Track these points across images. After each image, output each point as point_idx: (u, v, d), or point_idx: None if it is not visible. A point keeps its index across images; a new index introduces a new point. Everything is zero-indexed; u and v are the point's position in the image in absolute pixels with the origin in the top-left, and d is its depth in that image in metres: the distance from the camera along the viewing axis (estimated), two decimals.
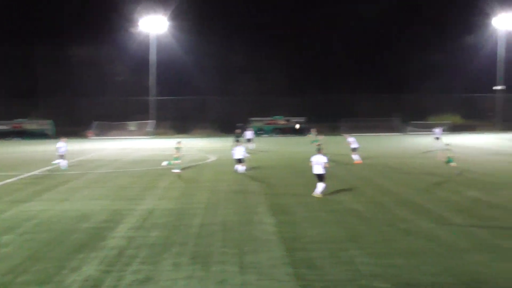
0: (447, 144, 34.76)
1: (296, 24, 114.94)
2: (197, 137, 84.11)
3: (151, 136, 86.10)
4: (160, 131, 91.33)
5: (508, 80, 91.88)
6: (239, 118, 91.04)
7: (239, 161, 33.62)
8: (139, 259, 14.01)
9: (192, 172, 33.75)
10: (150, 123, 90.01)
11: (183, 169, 34.28)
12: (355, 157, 39.04)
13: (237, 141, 36.90)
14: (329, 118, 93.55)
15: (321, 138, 51.75)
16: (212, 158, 44.46)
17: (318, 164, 23.30)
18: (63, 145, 36.78)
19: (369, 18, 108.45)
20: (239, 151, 33.79)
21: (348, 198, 22.68)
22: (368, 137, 72.83)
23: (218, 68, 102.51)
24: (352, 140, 39.72)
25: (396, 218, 18.61)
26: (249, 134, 54.55)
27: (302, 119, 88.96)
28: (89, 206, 21.67)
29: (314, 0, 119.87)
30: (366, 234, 16.26)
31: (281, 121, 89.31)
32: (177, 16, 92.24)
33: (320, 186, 23.36)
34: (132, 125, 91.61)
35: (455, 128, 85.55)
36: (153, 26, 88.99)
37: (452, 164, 31.84)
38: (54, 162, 39.58)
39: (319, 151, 23.93)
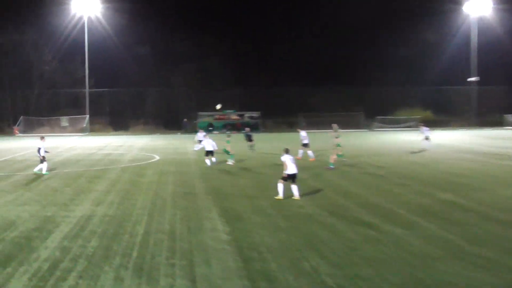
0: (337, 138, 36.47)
1: (244, 8, 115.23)
2: (138, 134, 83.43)
3: (86, 133, 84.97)
4: (95, 127, 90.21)
5: (483, 71, 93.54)
6: (183, 113, 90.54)
7: (211, 153, 36.97)
8: (76, 272, 13.83)
9: (134, 174, 33.55)
10: (84, 119, 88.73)
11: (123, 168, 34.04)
12: (310, 153, 40.54)
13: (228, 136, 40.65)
14: (285, 112, 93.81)
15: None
16: (155, 157, 44.27)
17: (294, 163, 23.79)
18: None
19: (326, 3, 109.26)
20: (209, 143, 37.27)
21: (307, 202, 22.85)
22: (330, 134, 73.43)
23: (156, 56, 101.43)
24: (304, 136, 41.21)
25: (361, 223, 18.87)
26: (200, 135, 52.42)
27: (255, 114, 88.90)
28: (16, 212, 21.29)
29: None
30: (329, 242, 16.44)
31: (233, 115, 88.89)
32: None
33: (295, 189, 23.78)
34: (64, 121, 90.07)
35: (426, 124, 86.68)
36: (86, 8, 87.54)
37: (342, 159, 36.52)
38: None
39: (287, 151, 24.26)
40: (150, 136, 78.88)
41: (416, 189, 26.39)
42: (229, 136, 40.41)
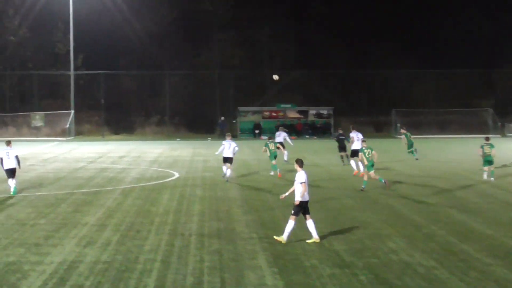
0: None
1: None
2: (148, 140, 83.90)
3: (71, 138, 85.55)
4: (85, 128, 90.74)
5: None
6: (218, 108, 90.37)
7: (228, 161, 38.64)
8: None
9: (142, 200, 33.63)
10: (68, 116, 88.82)
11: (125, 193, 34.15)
12: (353, 164, 42.29)
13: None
14: (371, 108, 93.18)
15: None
16: (174, 175, 44.25)
17: (299, 183, 22.93)
18: None
19: None
20: (230, 147, 38.63)
21: (402, 243, 22.70)
22: (440, 140, 72.79)
23: (180, 24, 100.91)
24: (356, 137, 42.85)
25: (492, 279, 18.42)
26: (281, 136, 51.03)
27: (326, 110, 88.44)
28: None
29: None
30: None
31: (292, 112, 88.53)
32: None
33: (312, 225, 23.06)
34: (37, 118, 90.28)
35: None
36: None
37: None
38: None
39: (301, 164, 23.52)
40: (166, 142, 78.87)
41: None
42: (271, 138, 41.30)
